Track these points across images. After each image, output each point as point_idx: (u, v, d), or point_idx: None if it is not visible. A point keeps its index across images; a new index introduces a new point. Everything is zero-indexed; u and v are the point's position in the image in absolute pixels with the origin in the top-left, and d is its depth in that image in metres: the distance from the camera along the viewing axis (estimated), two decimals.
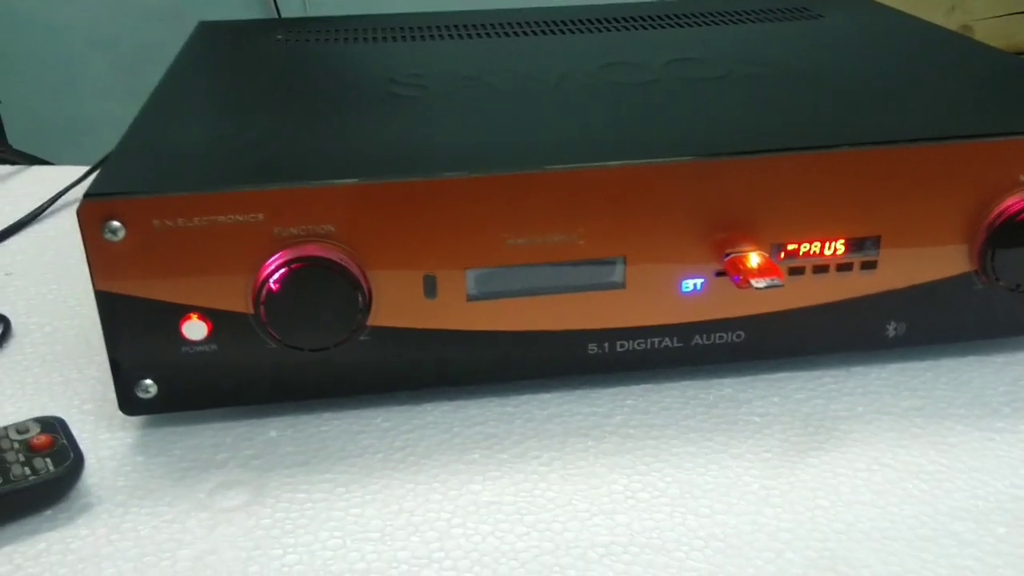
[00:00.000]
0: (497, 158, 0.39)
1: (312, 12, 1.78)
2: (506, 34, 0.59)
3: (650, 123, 0.43)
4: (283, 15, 1.75)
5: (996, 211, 0.40)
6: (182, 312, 0.37)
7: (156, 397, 0.38)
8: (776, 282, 0.38)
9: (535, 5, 0.70)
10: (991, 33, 2.03)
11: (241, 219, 0.36)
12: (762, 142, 0.39)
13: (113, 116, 0.49)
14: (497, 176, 0.38)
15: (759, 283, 0.38)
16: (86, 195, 0.36)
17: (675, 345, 0.41)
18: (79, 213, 0.35)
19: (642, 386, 0.43)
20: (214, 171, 0.38)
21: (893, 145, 0.39)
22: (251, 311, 0.37)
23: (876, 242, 0.40)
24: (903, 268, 0.41)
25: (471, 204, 0.38)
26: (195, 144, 0.41)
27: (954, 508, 0.35)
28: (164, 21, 1.72)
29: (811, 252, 0.40)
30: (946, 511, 0.35)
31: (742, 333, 0.42)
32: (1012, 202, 0.40)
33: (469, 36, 0.59)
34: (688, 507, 0.35)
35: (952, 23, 2.00)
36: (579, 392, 0.42)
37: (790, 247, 0.40)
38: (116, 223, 0.36)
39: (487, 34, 0.59)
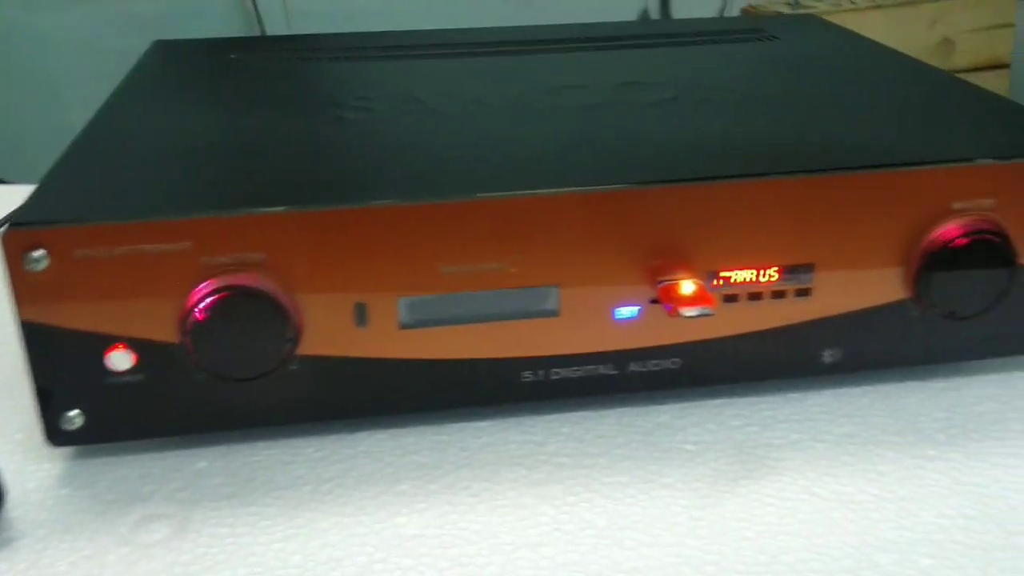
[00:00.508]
0: (429, 185, 0.39)
1: (295, 25, 1.79)
2: (462, 55, 0.59)
3: (589, 149, 0.43)
4: (267, 29, 1.76)
5: (930, 238, 0.40)
6: (108, 342, 0.37)
7: (82, 428, 0.38)
8: (707, 310, 0.38)
9: (506, 24, 0.71)
10: (973, 46, 2.04)
11: (167, 248, 0.36)
12: (695, 170, 0.39)
13: None
14: (429, 204, 0.37)
15: (689, 311, 0.38)
16: (10, 224, 0.35)
17: (611, 372, 0.41)
18: (2, 242, 0.35)
19: (579, 413, 0.42)
20: (142, 199, 0.38)
21: (826, 173, 0.39)
22: (178, 341, 0.37)
23: (810, 269, 0.40)
24: (837, 295, 0.41)
25: (402, 232, 0.38)
26: (127, 170, 0.41)
27: (880, 539, 0.35)
28: (148, 31, 1.72)
29: (745, 280, 0.40)
30: (872, 542, 0.35)
31: (678, 360, 0.41)
32: (946, 229, 0.40)
33: (424, 57, 0.58)
34: (614, 539, 0.35)
35: (934, 36, 2.02)
36: (515, 420, 0.42)
37: (724, 274, 0.40)
38: (39, 252, 0.35)
39: (442, 55, 0.59)
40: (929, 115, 0.46)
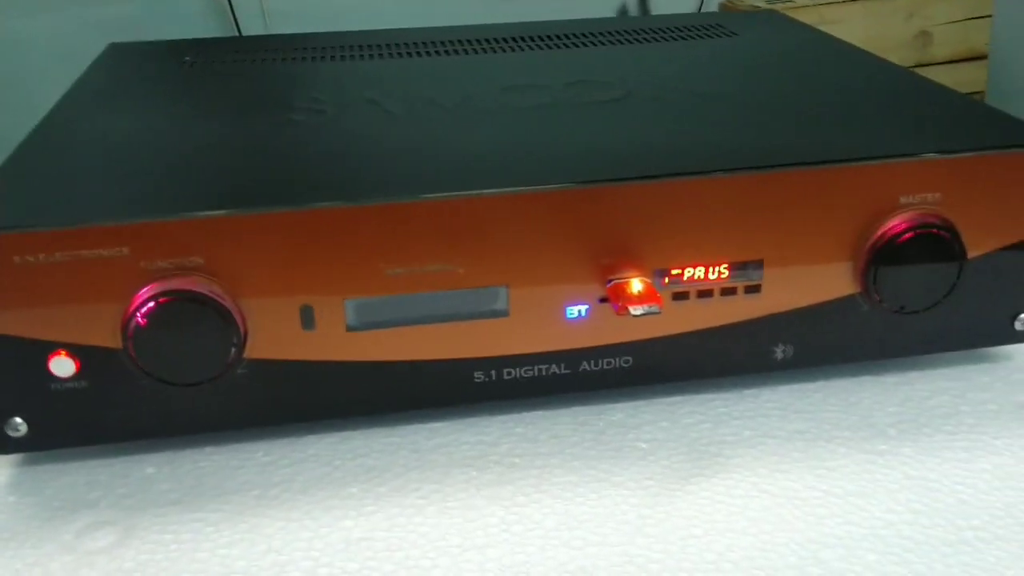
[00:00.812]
0: (374, 186, 0.39)
1: (273, 26, 1.78)
2: (419, 54, 0.58)
3: (537, 149, 0.43)
4: (244, 31, 1.75)
5: (878, 233, 0.40)
6: (49, 348, 0.37)
7: (27, 436, 0.38)
8: (654, 309, 0.38)
9: (485, 18, 0.70)
10: (950, 38, 2.05)
11: (106, 253, 0.36)
12: (641, 168, 0.39)
13: None
14: (373, 205, 0.37)
15: (636, 310, 0.38)
16: None
17: (563, 372, 0.41)
18: None
19: (534, 413, 0.42)
20: (81, 204, 0.37)
21: (773, 170, 0.39)
22: (120, 346, 0.37)
23: (759, 266, 0.40)
24: (787, 291, 0.41)
25: (347, 234, 0.37)
26: (68, 175, 0.40)
27: (826, 535, 0.35)
28: (124, 35, 1.71)
29: (694, 277, 0.40)
30: (817, 538, 0.35)
31: (630, 359, 0.41)
32: (893, 224, 0.40)
33: (381, 56, 0.58)
34: (561, 539, 0.35)
35: (911, 29, 2.02)
36: (470, 420, 0.42)
37: (674, 272, 0.40)
38: None
39: (400, 54, 0.59)
40: (878, 110, 0.46)
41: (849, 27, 1.98)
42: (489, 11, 1.85)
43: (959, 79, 2.09)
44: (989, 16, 2.06)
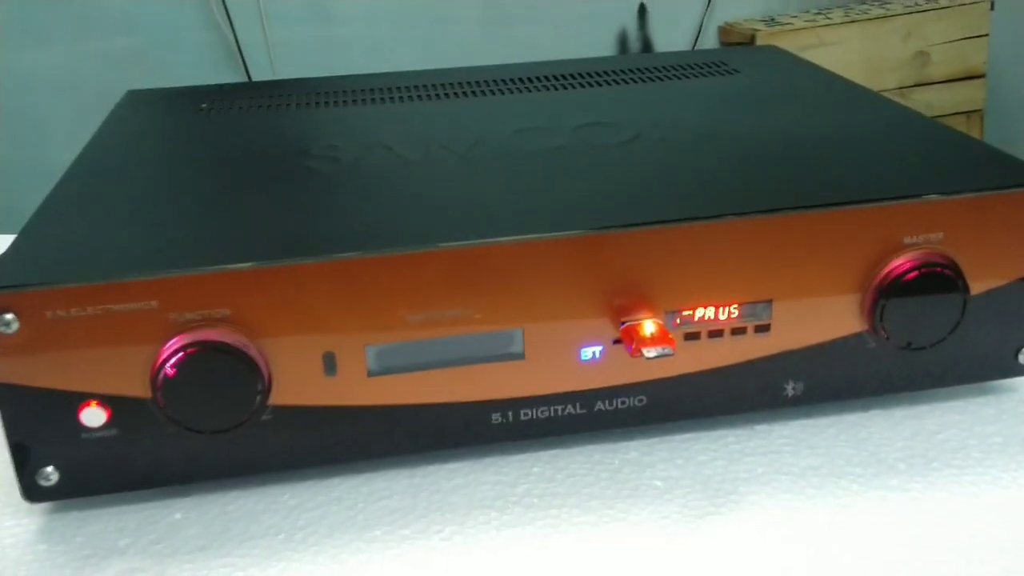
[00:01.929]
0: (393, 236, 0.40)
1: (275, 55, 1.80)
2: (430, 97, 0.60)
3: (550, 194, 0.44)
4: (248, 62, 1.77)
5: (884, 272, 0.41)
6: (80, 400, 0.38)
7: (58, 484, 0.39)
8: (667, 351, 0.39)
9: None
10: (946, 57, 2.07)
11: (135, 307, 0.37)
12: (651, 213, 0.40)
13: None
14: (392, 255, 0.38)
15: (650, 352, 0.39)
16: None
17: (578, 412, 0.42)
18: None
19: (550, 452, 0.43)
20: (108, 259, 0.39)
21: (780, 213, 0.40)
22: (150, 396, 0.38)
23: (768, 306, 0.41)
24: (796, 329, 0.42)
25: (367, 283, 0.38)
26: (96, 229, 0.41)
27: (841, 573, 0.36)
28: (129, 68, 1.74)
29: (705, 317, 0.41)
30: (834, 575, 0.35)
31: (644, 398, 0.42)
32: (899, 263, 0.41)
33: (392, 100, 0.59)
34: None
35: (908, 50, 2.04)
36: (487, 460, 0.43)
37: (685, 313, 0.41)
38: (9, 316, 0.36)
39: (412, 97, 0.60)
40: (881, 150, 0.47)
41: (847, 48, 2.01)
42: (490, 37, 1.87)
43: (957, 98, 2.11)
44: (986, 35, 2.08)
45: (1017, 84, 2.15)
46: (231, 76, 1.78)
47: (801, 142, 0.49)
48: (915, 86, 2.04)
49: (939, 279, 0.41)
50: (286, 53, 1.81)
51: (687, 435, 0.44)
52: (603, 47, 1.97)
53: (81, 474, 0.39)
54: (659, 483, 0.41)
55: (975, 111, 2.12)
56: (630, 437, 0.44)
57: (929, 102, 2.02)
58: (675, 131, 0.51)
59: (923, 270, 0.40)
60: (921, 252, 0.41)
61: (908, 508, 0.39)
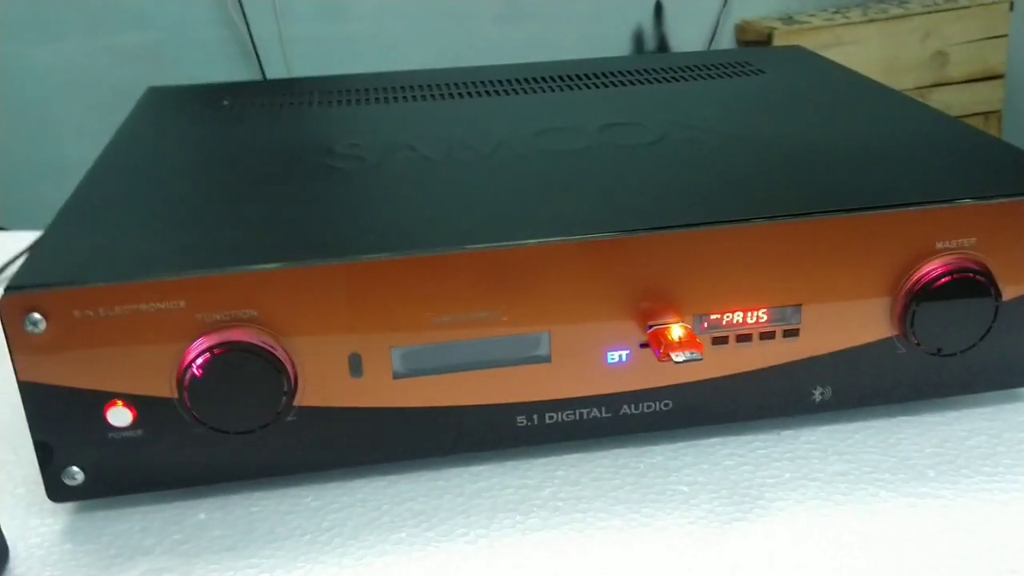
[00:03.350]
0: (419, 238, 0.39)
1: (289, 51, 1.80)
2: (452, 96, 0.60)
3: (575, 196, 0.43)
4: (261, 57, 1.77)
5: (915, 277, 0.41)
6: (106, 399, 0.38)
7: (84, 484, 0.39)
8: (695, 355, 0.39)
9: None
10: (965, 58, 2.05)
11: (162, 307, 0.37)
12: (679, 216, 0.40)
13: (92, 157, 0.50)
14: (418, 257, 0.38)
15: (679, 356, 0.39)
16: (7, 288, 0.36)
17: (603, 416, 0.42)
18: (0, 306, 0.36)
19: (574, 455, 0.43)
20: (135, 258, 0.38)
21: (811, 217, 0.40)
22: (175, 396, 0.38)
23: (797, 310, 0.41)
24: (825, 335, 0.41)
25: (393, 284, 0.38)
26: (122, 228, 0.41)
27: None
28: (142, 62, 1.74)
29: (734, 322, 0.41)
30: None
31: (670, 402, 0.42)
32: (930, 268, 0.40)
33: (414, 98, 0.59)
34: None
35: (927, 50, 2.03)
36: (511, 464, 0.43)
37: (713, 317, 0.41)
38: (37, 315, 0.36)
39: (434, 96, 0.60)
40: (911, 154, 0.47)
41: (866, 47, 1.99)
42: (503, 31, 1.87)
43: (975, 98, 2.09)
44: (1005, 35, 2.06)
45: None
46: (245, 73, 1.79)
47: (830, 144, 0.48)
48: (933, 86, 2.03)
49: (971, 285, 0.40)
50: (301, 50, 1.81)
51: (713, 440, 0.44)
52: (619, 45, 1.96)
53: (106, 474, 0.39)
54: (685, 488, 0.41)
55: (993, 112, 2.11)
56: (656, 441, 0.43)
57: (947, 102, 2.00)
58: (701, 132, 0.50)
59: (955, 276, 0.40)
60: (953, 257, 0.40)
61: (938, 515, 0.38)
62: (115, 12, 1.72)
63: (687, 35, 2.01)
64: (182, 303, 0.37)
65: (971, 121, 2.09)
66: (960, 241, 0.40)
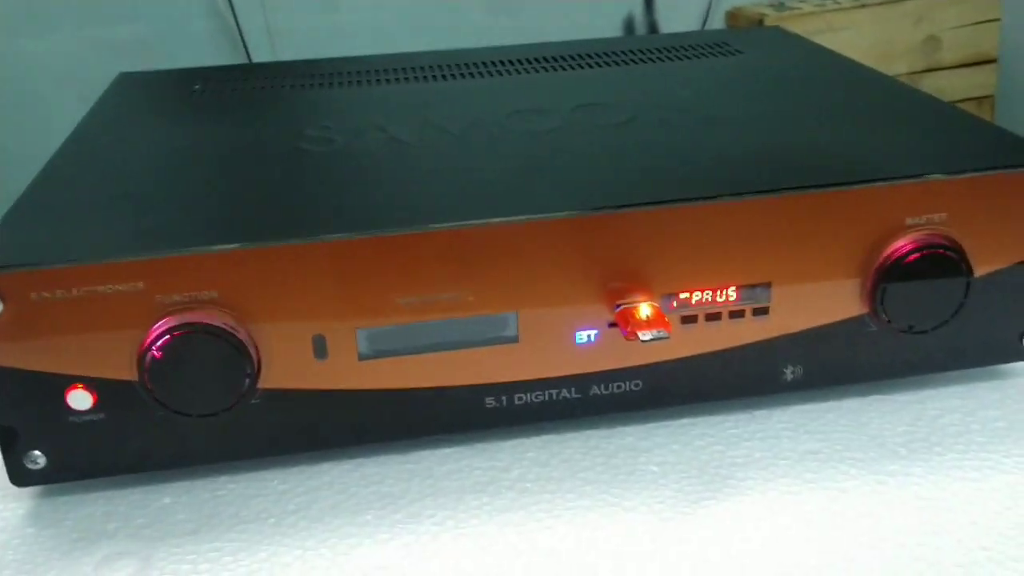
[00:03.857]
0: (383, 217, 0.39)
1: (278, 45, 1.80)
2: (426, 78, 0.59)
3: (544, 175, 0.43)
4: (250, 49, 1.76)
5: (885, 254, 0.40)
6: (67, 383, 0.37)
7: (45, 468, 0.38)
8: (662, 334, 0.38)
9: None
10: (958, 42, 2.05)
11: (121, 288, 0.36)
12: (648, 194, 0.40)
13: None
14: (382, 236, 0.38)
15: (645, 335, 0.38)
16: None
17: (573, 396, 0.41)
18: None
19: (543, 437, 0.43)
20: (95, 240, 0.38)
21: (779, 194, 0.39)
22: (137, 379, 0.37)
23: (767, 288, 0.41)
24: (795, 312, 0.41)
25: (357, 264, 0.38)
26: (82, 210, 0.41)
27: (840, 558, 0.35)
28: (130, 55, 1.73)
29: (703, 300, 0.40)
30: (832, 561, 0.35)
31: (640, 382, 0.42)
32: (900, 244, 0.40)
33: (388, 81, 0.59)
34: (576, 565, 0.35)
35: (919, 34, 2.02)
36: (480, 446, 0.42)
37: (682, 296, 0.40)
38: None
39: (408, 78, 0.59)
40: (881, 130, 0.46)
41: (857, 33, 1.98)
42: (495, 21, 1.86)
43: (968, 83, 2.09)
44: (997, 20, 2.05)
45: None
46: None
47: (802, 122, 0.48)
48: (926, 71, 2.02)
49: (942, 261, 0.40)
50: (289, 41, 1.80)
51: (684, 420, 0.43)
52: (609, 33, 1.95)
53: (69, 458, 0.38)
54: (655, 468, 0.40)
55: (986, 96, 2.10)
56: (626, 422, 0.43)
57: (940, 87, 1.99)
58: (673, 112, 0.50)
59: (925, 252, 0.40)
60: (923, 233, 0.40)
61: (909, 493, 0.38)
62: (102, 4, 1.71)
63: (678, 23, 2.00)
64: (140, 284, 0.36)
65: (964, 106, 2.08)
66: (930, 217, 0.40)
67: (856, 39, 1.99)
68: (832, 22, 1.96)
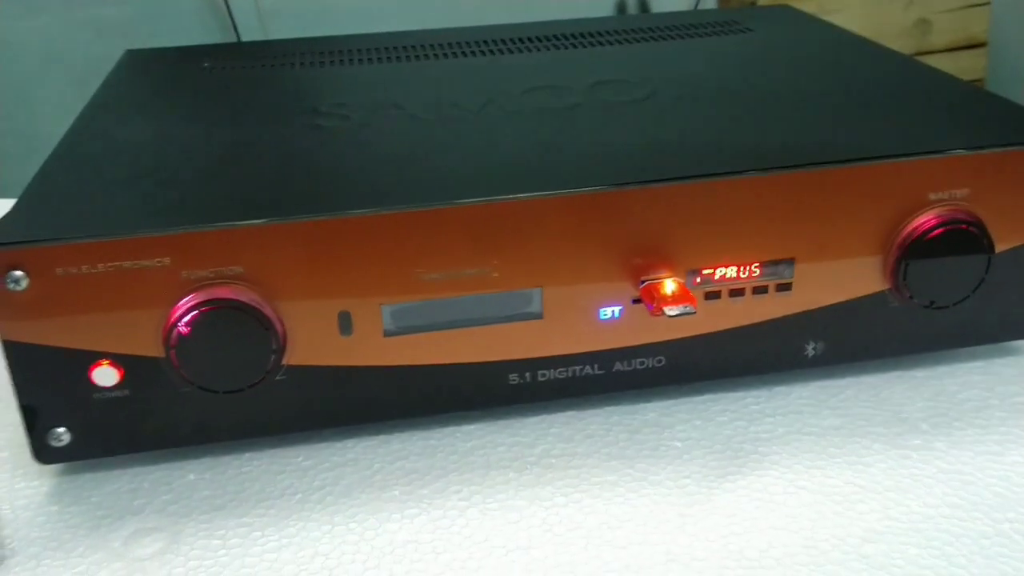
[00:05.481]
0: (408, 193, 0.39)
1: (268, 24, 1.78)
2: (437, 56, 0.59)
3: (567, 151, 0.43)
4: (240, 30, 1.74)
5: (907, 229, 0.40)
6: (92, 359, 0.37)
7: (70, 445, 0.38)
8: (689, 309, 0.38)
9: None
10: (949, 26, 2.05)
11: (147, 264, 0.36)
12: (672, 170, 0.39)
13: None
14: (407, 212, 0.37)
15: (672, 311, 0.38)
16: None
17: (596, 372, 0.41)
18: None
19: (567, 413, 0.43)
20: (119, 215, 0.38)
21: (803, 169, 0.39)
22: (163, 355, 0.37)
23: (790, 264, 0.41)
24: (818, 289, 0.41)
25: (383, 240, 0.38)
26: (105, 185, 0.40)
27: (866, 530, 0.35)
28: (120, 36, 1.71)
29: (726, 276, 0.41)
30: (858, 533, 0.35)
31: (662, 358, 0.42)
32: (923, 220, 0.40)
33: (400, 60, 0.58)
34: (604, 539, 0.35)
35: (910, 17, 2.02)
36: (503, 422, 0.42)
37: (705, 272, 0.40)
38: (18, 273, 0.35)
39: (419, 56, 0.59)
40: (902, 106, 0.47)
41: (848, 16, 1.98)
42: (484, 4, 1.85)
43: (958, 67, 2.09)
44: (988, 4, 2.06)
45: (1018, 53, 2.14)
46: None
47: (821, 99, 0.48)
48: (916, 55, 2.03)
49: (964, 236, 0.40)
50: (280, 21, 1.78)
51: (706, 396, 0.43)
52: (601, 13, 1.95)
53: (93, 435, 0.38)
54: (678, 444, 0.41)
55: (976, 80, 2.11)
56: (649, 398, 0.43)
57: None
58: (692, 88, 0.50)
59: (948, 227, 0.40)
60: (946, 209, 0.40)
61: (931, 467, 0.38)
62: None
63: (670, 2, 2.00)
64: (167, 260, 0.36)
65: None
66: (953, 192, 0.40)
67: (847, 22, 1.98)
68: (823, 5, 1.96)
